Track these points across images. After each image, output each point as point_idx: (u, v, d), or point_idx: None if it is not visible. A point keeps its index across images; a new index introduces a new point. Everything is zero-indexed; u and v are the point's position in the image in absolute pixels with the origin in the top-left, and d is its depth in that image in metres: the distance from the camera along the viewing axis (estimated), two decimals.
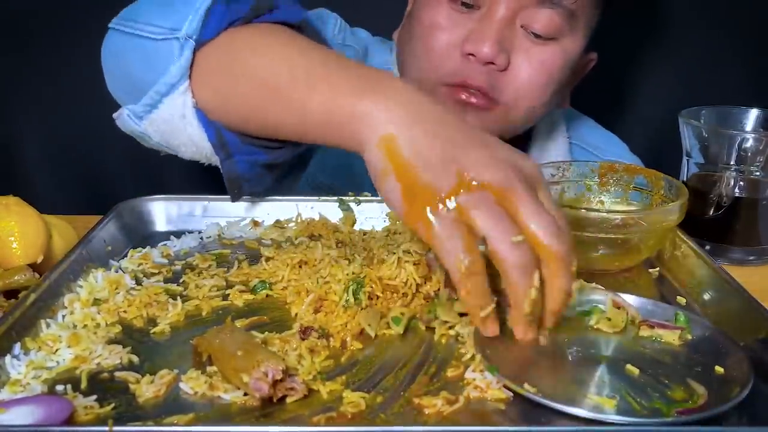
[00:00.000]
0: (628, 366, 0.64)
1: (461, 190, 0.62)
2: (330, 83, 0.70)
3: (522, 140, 1.16)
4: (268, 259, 0.83)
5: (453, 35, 1.01)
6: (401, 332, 0.70)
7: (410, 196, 0.63)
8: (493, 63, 0.99)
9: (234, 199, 0.90)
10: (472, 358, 0.65)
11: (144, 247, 0.86)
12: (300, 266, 0.80)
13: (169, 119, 0.82)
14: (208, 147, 0.83)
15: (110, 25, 0.86)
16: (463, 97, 1.01)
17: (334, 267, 0.75)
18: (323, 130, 0.71)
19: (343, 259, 0.78)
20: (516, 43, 1.00)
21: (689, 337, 0.68)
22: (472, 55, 0.99)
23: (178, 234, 0.91)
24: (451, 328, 0.70)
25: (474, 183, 0.62)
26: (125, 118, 0.85)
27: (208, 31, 0.79)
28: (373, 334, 0.69)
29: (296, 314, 0.73)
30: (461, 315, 0.70)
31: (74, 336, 0.67)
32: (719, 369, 0.63)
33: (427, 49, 1.03)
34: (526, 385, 0.59)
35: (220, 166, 0.85)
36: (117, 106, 0.88)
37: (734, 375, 0.62)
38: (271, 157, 0.86)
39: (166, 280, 0.80)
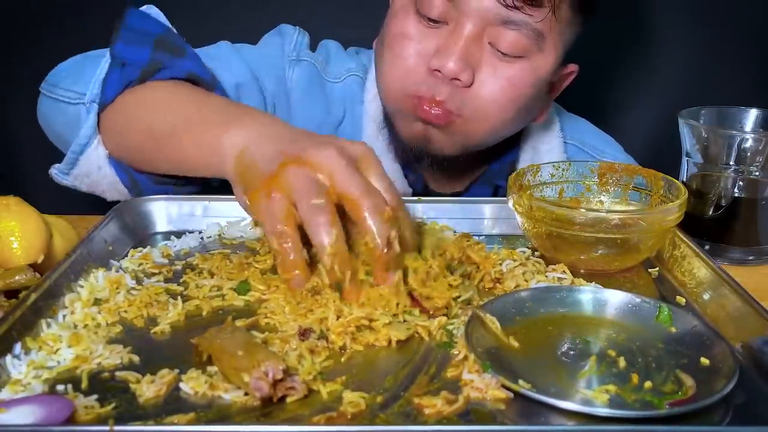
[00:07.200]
0: (618, 359, 0.64)
1: (282, 170, 0.70)
2: (201, 124, 0.84)
3: (514, 141, 1.16)
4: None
5: (420, 46, 1.00)
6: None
7: (249, 190, 0.73)
8: (458, 79, 0.98)
9: None
10: (465, 358, 0.65)
11: (144, 247, 0.87)
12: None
13: (87, 172, 0.95)
14: (126, 190, 0.96)
15: (40, 89, 1.00)
16: (425, 107, 1.00)
17: None
18: (199, 164, 0.84)
19: None
20: (483, 59, 0.99)
21: (674, 329, 0.69)
22: (438, 71, 0.98)
23: (179, 234, 0.91)
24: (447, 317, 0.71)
25: (293, 162, 0.70)
26: (54, 175, 0.97)
27: (108, 94, 0.92)
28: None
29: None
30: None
31: (75, 336, 0.67)
32: (705, 361, 0.64)
33: (395, 56, 1.02)
34: (521, 382, 0.60)
35: None
36: None
37: (720, 366, 0.63)
38: (177, 190, 0.97)
39: (167, 280, 0.80)
